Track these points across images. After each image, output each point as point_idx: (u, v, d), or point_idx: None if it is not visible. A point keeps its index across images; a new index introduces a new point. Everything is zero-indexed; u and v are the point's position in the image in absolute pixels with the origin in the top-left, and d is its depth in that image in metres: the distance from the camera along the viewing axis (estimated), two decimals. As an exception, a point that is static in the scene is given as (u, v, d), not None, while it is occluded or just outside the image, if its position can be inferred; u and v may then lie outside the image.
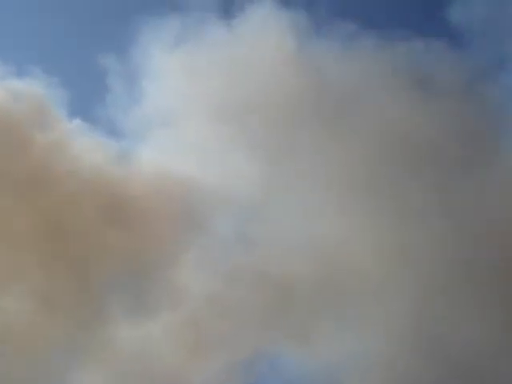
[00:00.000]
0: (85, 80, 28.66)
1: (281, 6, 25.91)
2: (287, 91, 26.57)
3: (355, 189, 26.19)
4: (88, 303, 24.98)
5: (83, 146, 25.17)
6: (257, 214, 26.38)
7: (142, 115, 26.69)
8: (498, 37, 27.89)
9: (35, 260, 24.12)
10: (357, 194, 26.06)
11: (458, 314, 25.14)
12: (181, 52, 27.60)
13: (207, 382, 26.73)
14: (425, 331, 25.25)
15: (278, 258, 25.92)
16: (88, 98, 26.74)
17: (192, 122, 27.10)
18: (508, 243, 25.48)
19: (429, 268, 25.35)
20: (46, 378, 24.89)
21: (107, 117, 26.55)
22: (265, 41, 27.36)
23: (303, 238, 25.96)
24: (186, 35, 27.65)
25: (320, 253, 25.31)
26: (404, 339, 25.06)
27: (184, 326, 26.12)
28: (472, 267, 25.67)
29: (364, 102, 26.60)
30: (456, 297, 25.69)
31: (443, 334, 25.02)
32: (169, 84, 27.53)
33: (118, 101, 26.92)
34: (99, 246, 24.69)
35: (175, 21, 27.28)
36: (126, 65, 27.12)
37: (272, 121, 26.80)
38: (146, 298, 25.50)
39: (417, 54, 27.30)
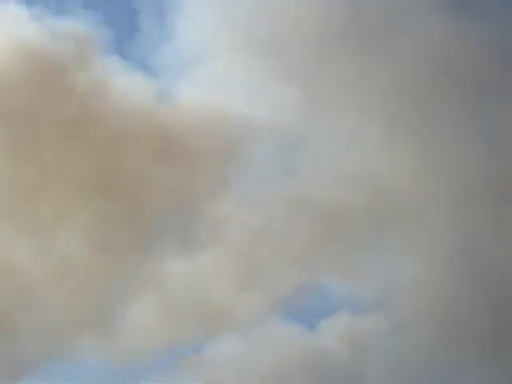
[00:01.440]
0: (120, 19, 28.46)
1: None
2: (324, 20, 26.32)
3: (395, 115, 26.16)
4: (138, 239, 25.43)
5: (124, 85, 25.16)
6: (299, 145, 26.49)
7: (179, 53, 26.56)
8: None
9: (86, 198, 24.48)
10: (396, 119, 26.06)
11: (500, 234, 25.38)
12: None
13: (253, 313, 27.31)
14: (469, 252, 25.53)
15: (322, 188, 26.14)
16: (125, 38, 26.63)
17: (228, 56, 26.94)
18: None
19: (471, 190, 25.51)
20: (101, 312, 25.54)
21: (144, 56, 26.45)
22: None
23: (346, 166, 26.09)
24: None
25: (364, 180, 25.48)
26: (451, 263, 25.40)
27: (230, 258, 26.59)
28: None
29: (400, 25, 26.30)
30: (497, 218, 25.90)
31: (488, 254, 25.30)
32: (203, 20, 27.29)
33: (154, 39, 26.80)
34: (146, 183, 25.00)
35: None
36: (158, 2, 26.89)
37: (309, 51, 26.62)
38: (193, 233, 25.91)
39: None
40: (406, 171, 24.95)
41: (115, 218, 24.78)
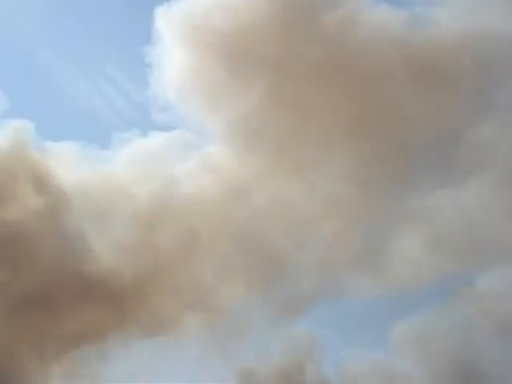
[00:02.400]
0: None
1: None
2: None
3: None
4: (401, 173, 24.91)
5: (374, 18, 24.50)
6: None
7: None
8: None
9: (346, 136, 24.41)
10: None
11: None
12: None
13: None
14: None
15: None
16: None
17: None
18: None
19: None
20: (368, 247, 25.57)
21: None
22: None
23: None
24: None
25: None
26: None
27: (497, 187, 25.02)
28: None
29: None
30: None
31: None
32: None
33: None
34: (406, 115, 24.30)
35: None
36: None
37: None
38: (456, 163, 24.74)
39: None
40: None
41: (376, 153, 24.46)
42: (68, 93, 46.85)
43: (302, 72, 24.55)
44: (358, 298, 26.34)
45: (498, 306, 25.65)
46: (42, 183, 26.17)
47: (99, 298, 25.34)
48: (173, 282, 24.61)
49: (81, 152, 26.67)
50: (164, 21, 25.87)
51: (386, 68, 23.53)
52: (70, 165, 26.37)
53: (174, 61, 25.46)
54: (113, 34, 48.03)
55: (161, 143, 25.43)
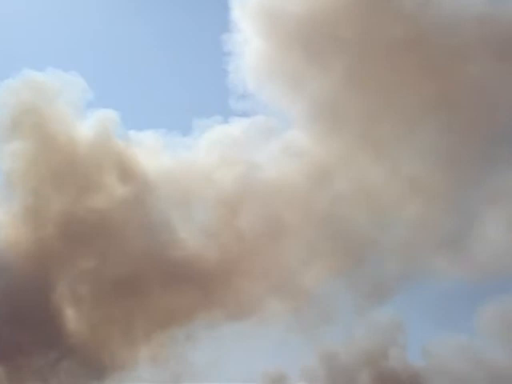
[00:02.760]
0: None
1: None
2: None
3: None
4: (484, 152, 24.42)
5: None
6: None
7: None
8: None
9: (426, 115, 24.05)
10: None
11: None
12: None
13: None
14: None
15: None
16: None
17: None
18: None
19: None
20: (452, 229, 25.14)
21: None
22: None
23: None
24: None
25: None
26: None
27: None
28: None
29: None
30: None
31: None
32: None
33: None
34: (489, 91, 23.76)
35: None
36: None
37: None
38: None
39: None
40: None
41: (460, 132, 24.00)
42: (150, 82, 48.08)
43: (382, 52, 24.32)
44: (443, 281, 25.88)
45: None
46: (126, 172, 26.81)
47: (185, 281, 25.84)
48: (257, 266, 24.82)
49: (163, 140, 27.16)
50: (240, 8, 26.01)
51: (469, 46, 23.06)
52: (153, 153, 26.90)
53: (252, 47, 25.53)
54: (192, 24, 48.87)
55: (242, 129, 25.64)
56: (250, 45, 25.57)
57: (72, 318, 27.25)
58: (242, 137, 25.46)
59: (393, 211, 24.80)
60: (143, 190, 25.97)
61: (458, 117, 23.99)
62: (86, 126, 26.58)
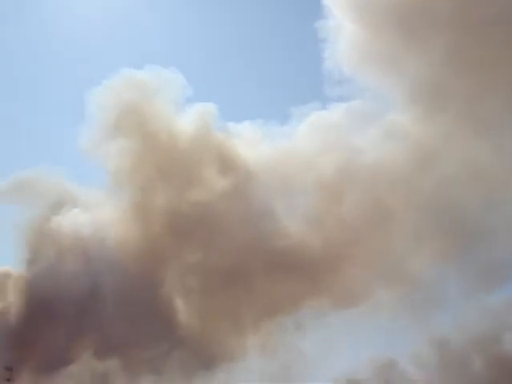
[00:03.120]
0: None
1: None
2: None
3: None
4: None
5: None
6: None
7: None
8: None
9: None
10: None
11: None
12: None
13: None
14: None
15: None
16: None
17: None
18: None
19: None
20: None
21: None
22: None
23: None
24: None
25: None
26: None
27: None
28: None
29: None
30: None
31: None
32: None
33: None
34: None
35: None
36: None
37: None
38: None
39: None
40: None
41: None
42: (246, 73, 48.54)
43: (482, 27, 23.46)
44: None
45: None
46: (227, 164, 27.15)
47: (291, 270, 25.87)
48: (362, 253, 24.53)
49: (261, 130, 27.31)
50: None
51: None
52: (252, 143, 27.10)
53: (346, 32, 25.25)
54: (286, 13, 49.31)
55: (341, 115, 25.40)
56: (344, 30, 25.25)
57: (181, 310, 27.90)
58: (341, 122, 25.27)
59: (500, 191, 23.87)
60: (244, 180, 26.22)
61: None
62: (185, 120, 27.06)
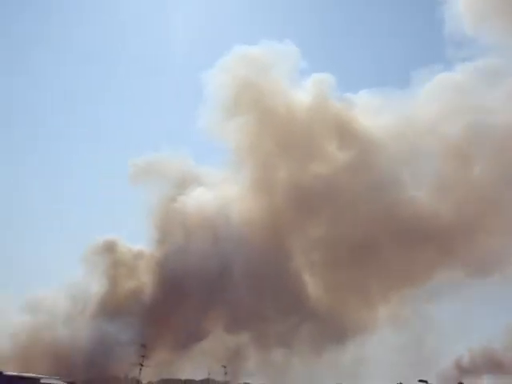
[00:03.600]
0: None
1: None
2: None
3: None
4: None
5: None
6: None
7: None
8: None
9: None
10: None
11: None
12: None
13: None
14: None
15: None
16: None
17: None
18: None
19: None
20: None
21: None
22: None
23: None
24: None
25: None
26: None
27: None
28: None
29: None
30: None
31: None
32: None
33: None
34: None
35: None
36: None
37: None
38: None
39: None
40: None
41: None
42: (360, 39, 46.08)
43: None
44: None
45: None
46: (348, 135, 26.63)
47: (421, 240, 25.16)
48: (498, 219, 23.47)
49: (381, 97, 26.58)
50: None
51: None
52: (372, 112, 26.43)
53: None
54: None
55: (465, 76, 24.23)
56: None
57: (310, 284, 27.84)
58: (466, 83, 24.11)
59: None
60: (367, 150, 25.66)
61: None
62: (302, 93, 26.74)
